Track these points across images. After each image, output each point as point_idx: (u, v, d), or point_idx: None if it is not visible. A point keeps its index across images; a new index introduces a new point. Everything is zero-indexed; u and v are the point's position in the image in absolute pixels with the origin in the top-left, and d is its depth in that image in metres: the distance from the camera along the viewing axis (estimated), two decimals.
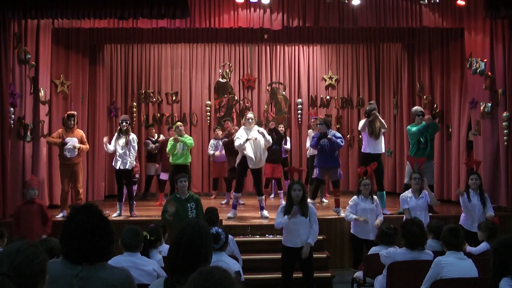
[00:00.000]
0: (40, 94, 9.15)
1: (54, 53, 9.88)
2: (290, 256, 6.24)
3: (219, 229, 4.74)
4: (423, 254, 5.03)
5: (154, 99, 12.46)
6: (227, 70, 12.56)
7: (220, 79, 12.55)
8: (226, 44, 12.28)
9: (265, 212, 8.70)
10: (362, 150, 9.20)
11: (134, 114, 12.30)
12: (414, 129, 8.94)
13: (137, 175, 10.64)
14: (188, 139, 9.23)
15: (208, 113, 12.48)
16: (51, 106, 9.71)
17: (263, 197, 8.93)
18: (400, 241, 5.36)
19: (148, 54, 12.52)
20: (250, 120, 8.76)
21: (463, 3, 9.09)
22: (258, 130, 8.63)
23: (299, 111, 12.52)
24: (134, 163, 9.08)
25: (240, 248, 6.19)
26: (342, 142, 8.88)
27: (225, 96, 12.51)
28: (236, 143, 8.58)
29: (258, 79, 12.71)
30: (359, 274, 6.18)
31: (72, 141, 8.71)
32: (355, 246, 7.30)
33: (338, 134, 9.06)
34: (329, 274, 7.48)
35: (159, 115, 12.42)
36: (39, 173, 9.02)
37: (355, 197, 7.33)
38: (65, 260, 2.55)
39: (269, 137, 8.62)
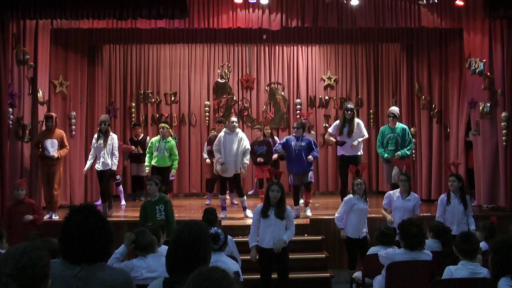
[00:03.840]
0: (38, 94, 9.14)
1: (53, 53, 9.87)
2: (264, 256, 6.27)
3: (219, 230, 4.76)
4: (422, 255, 5.03)
5: (153, 100, 12.45)
6: (226, 71, 12.56)
7: (219, 80, 12.55)
8: (224, 45, 12.27)
9: (248, 212, 8.72)
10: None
11: (133, 115, 12.31)
12: (380, 152, 9.01)
13: (118, 176, 10.40)
14: (170, 148, 9.12)
15: (207, 114, 12.48)
16: (50, 106, 9.71)
17: (245, 198, 8.98)
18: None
19: (147, 55, 12.51)
20: (234, 124, 8.79)
21: (461, 3, 9.10)
22: (238, 133, 8.80)
23: (298, 112, 12.52)
24: (116, 163, 8.98)
25: (239, 249, 6.19)
26: (317, 154, 8.74)
27: (224, 96, 12.51)
28: (216, 156, 8.84)
29: (257, 79, 12.70)
30: (358, 274, 6.18)
31: (52, 144, 8.64)
32: (348, 248, 7.28)
33: (314, 145, 8.75)
34: (328, 274, 7.48)
35: (158, 115, 12.41)
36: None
37: (350, 195, 7.20)
38: (64, 260, 2.54)
39: (247, 147, 8.79)
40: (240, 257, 6.00)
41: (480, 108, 9.27)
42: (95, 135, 9.03)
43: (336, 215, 7.25)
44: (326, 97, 12.67)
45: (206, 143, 10.81)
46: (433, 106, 10.74)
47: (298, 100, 12.59)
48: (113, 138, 8.97)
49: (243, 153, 8.75)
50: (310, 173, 8.78)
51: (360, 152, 8.99)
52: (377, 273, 5.30)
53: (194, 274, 2.09)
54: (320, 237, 8.03)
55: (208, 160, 10.49)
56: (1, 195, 8.33)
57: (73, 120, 10.29)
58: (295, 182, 8.77)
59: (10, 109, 8.61)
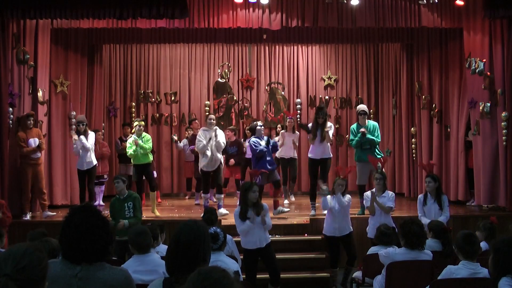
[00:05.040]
0: (38, 94, 9.15)
1: (53, 53, 9.88)
2: (251, 257, 6.35)
3: (218, 229, 4.77)
4: (422, 254, 5.02)
5: (153, 99, 12.46)
6: (226, 70, 12.56)
7: (219, 79, 12.55)
8: (225, 44, 12.27)
9: (222, 210, 8.74)
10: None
11: (133, 114, 12.30)
12: (353, 142, 8.83)
13: (105, 176, 10.61)
14: (147, 141, 9.07)
15: (207, 113, 12.46)
16: (50, 106, 9.72)
17: (222, 195, 9.06)
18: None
19: (147, 54, 12.51)
20: (212, 121, 9.07)
21: (462, 3, 9.10)
22: (216, 130, 9.01)
23: (298, 111, 12.52)
24: (95, 160, 9.25)
25: (239, 248, 6.20)
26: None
27: (224, 96, 12.51)
28: (199, 145, 8.88)
29: (257, 79, 12.71)
30: (358, 274, 6.18)
31: (35, 143, 8.69)
32: (329, 245, 7.37)
33: (274, 141, 9.09)
34: (328, 274, 7.48)
35: (158, 115, 12.42)
36: None
37: (328, 196, 7.31)
38: (64, 260, 2.55)
39: (222, 141, 8.95)
40: (240, 257, 6.01)
41: (480, 108, 9.26)
42: (74, 137, 9.14)
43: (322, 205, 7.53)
44: (326, 97, 12.68)
45: (188, 143, 10.99)
46: (433, 106, 10.73)
47: (298, 100, 12.60)
48: (91, 136, 9.23)
49: (217, 147, 8.88)
50: (276, 171, 9.00)
51: (329, 155, 8.84)
52: (377, 273, 5.30)
53: (194, 273, 2.09)
54: (320, 237, 8.02)
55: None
56: (1, 195, 8.32)
57: (73, 120, 10.26)
58: (262, 182, 8.62)
59: (10, 109, 8.61)
